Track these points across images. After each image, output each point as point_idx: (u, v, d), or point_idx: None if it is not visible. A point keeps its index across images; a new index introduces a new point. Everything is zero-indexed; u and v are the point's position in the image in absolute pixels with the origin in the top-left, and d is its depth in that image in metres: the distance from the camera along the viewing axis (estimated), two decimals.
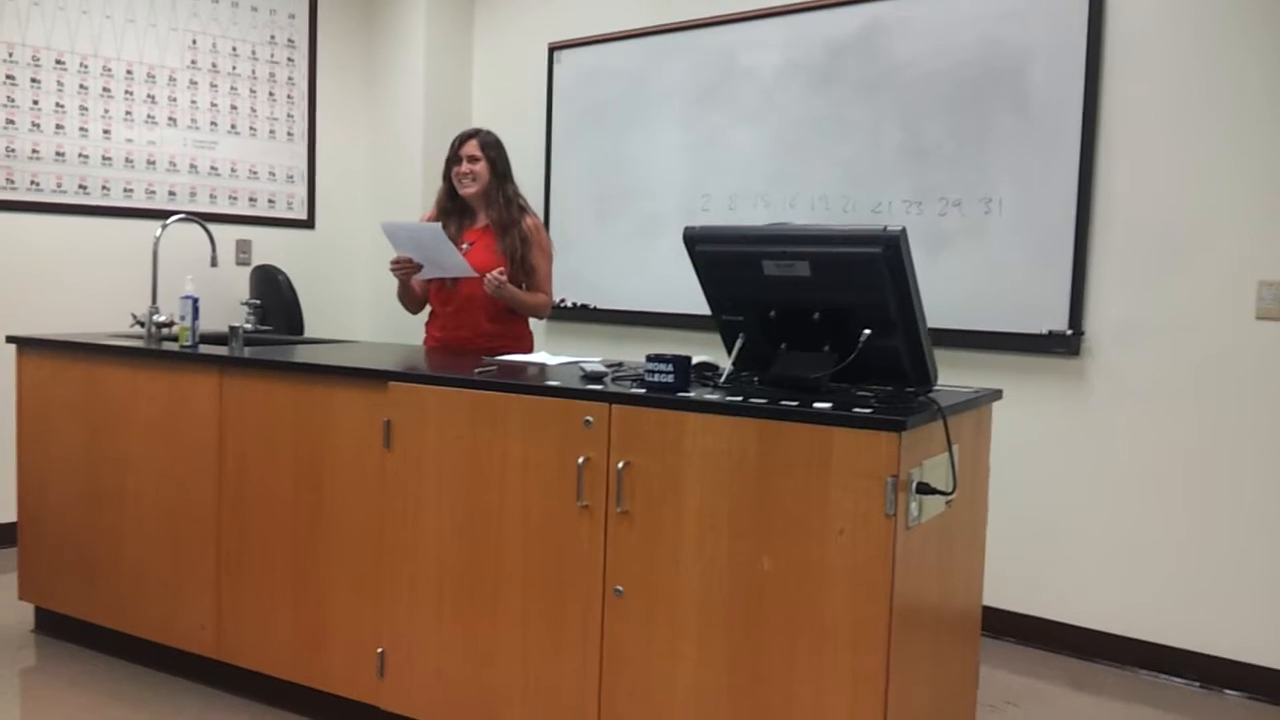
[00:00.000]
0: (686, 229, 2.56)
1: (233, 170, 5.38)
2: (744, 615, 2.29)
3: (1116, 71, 3.73)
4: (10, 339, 3.71)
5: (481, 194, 3.70)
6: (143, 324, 3.69)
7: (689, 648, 2.37)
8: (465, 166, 3.68)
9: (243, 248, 5.43)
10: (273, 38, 5.50)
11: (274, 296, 5.14)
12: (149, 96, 5.04)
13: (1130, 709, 3.43)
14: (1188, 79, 3.61)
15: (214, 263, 3.88)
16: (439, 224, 3.53)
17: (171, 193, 5.15)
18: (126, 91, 4.96)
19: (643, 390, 2.45)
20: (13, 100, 4.62)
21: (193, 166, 5.22)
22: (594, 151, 5.17)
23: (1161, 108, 3.66)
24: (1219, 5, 3.55)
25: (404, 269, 3.62)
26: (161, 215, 4.64)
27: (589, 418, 2.48)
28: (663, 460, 2.38)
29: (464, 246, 3.65)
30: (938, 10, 4.08)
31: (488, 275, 3.52)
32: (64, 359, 3.55)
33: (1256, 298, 3.49)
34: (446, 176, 3.75)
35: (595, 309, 5.15)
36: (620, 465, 2.43)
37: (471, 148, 3.70)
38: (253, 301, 5.13)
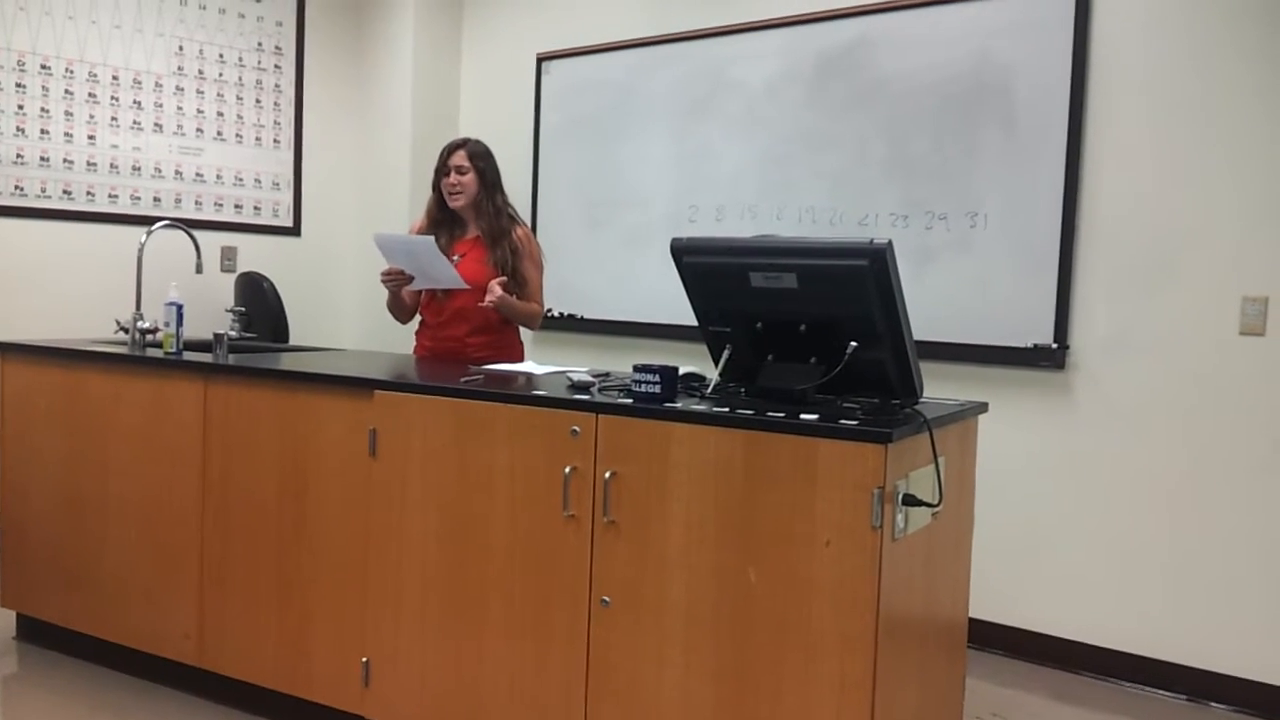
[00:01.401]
0: (674, 240, 2.56)
1: (218, 177, 5.36)
2: (730, 626, 2.29)
3: (1102, 87, 3.76)
4: None
5: (471, 205, 3.69)
6: (127, 330, 3.66)
7: (675, 658, 2.36)
8: (453, 178, 3.67)
9: (228, 254, 5.41)
10: (260, 44, 5.49)
11: (259, 304, 5.12)
12: (135, 102, 5.02)
13: None
14: (1172, 95, 3.63)
15: (199, 269, 3.87)
16: (431, 237, 3.52)
17: (156, 199, 5.13)
18: (112, 97, 4.95)
19: (630, 400, 2.45)
20: None
21: (178, 173, 5.20)
22: (582, 162, 5.17)
23: (1146, 123, 3.68)
24: (1203, 22, 3.57)
25: (395, 280, 3.61)
26: (146, 221, 4.61)
27: (576, 428, 2.48)
28: (650, 470, 2.38)
29: (455, 258, 3.64)
30: (925, 25, 4.10)
31: (491, 284, 3.51)
32: (47, 365, 3.53)
33: (1240, 313, 3.51)
34: (436, 187, 3.74)
35: (582, 319, 5.15)
36: (607, 475, 2.43)
37: (459, 158, 3.68)
38: (238, 309, 5.08)
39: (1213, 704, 3.55)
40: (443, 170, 3.70)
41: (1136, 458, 3.71)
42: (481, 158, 3.70)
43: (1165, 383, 3.66)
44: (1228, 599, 3.54)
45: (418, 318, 3.86)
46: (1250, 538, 3.51)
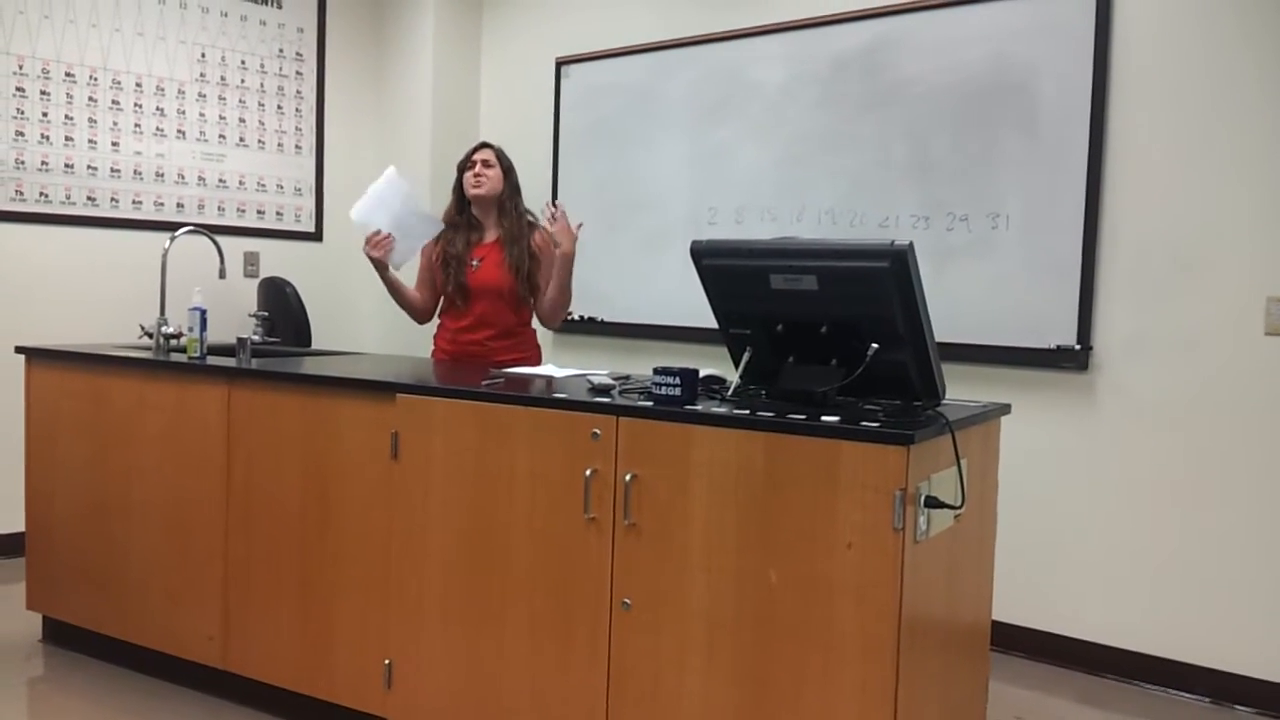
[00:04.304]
0: (693, 242, 2.56)
1: (241, 183, 5.39)
2: (752, 629, 2.29)
3: (1123, 87, 3.74)
4: (19, 349, 3.72)
5: (494, 201, 3.69)
6: (151, 335, 3.70)
7: (696, 661, 2.36)
8: (480, 168, 3.67)
9: (251, 260, 5.45)
10: (281, 51, 5.53)
11: (282, 308, 5.15)
12: (158, 109, 5.06)
13: None
14: (1195, 95, 3.61)
15: (222, 275, 3.89)
16: (392, 168, 3.52)
17: (180, 205, 5.17)
18: (136, 104, 4.99)
19: (650, 403, 2.45)
20: (22, 113, 4.65)
21: (201, 179, 5.24)
22: (601, 165, 5.18)
23: (1169, 123, 3.66)
24: (1225, 21, 3.55)
25: (378, 247, 3.57)
26: (170, 227, 4.66)
27: (596, 430, 2.48)
28: (670, 473, 2.38)
29: (474, 263, 3.66)
30: (944, 26, 4.08)
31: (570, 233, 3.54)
32: (72, 370, 3.56)
33: (1265, 313, 3.48)
34: (457, 188, 3.75)
35: (602, 322, 5.16)
36: (628, 478, 2.43)
37: (486, 153, 3.71)
38: (261, 313, 5.13)
39: (1236, 706, 3.53)
40: (467, 164, 3.71)
41: (1160, 459, 3.69)
42: (507, 160, 3.74)
43: (1189, 384, 3.63)
44: (1251, 601, 3.52)
45: (435, 319, 3.87)
46: (1275, 540, 3.48)
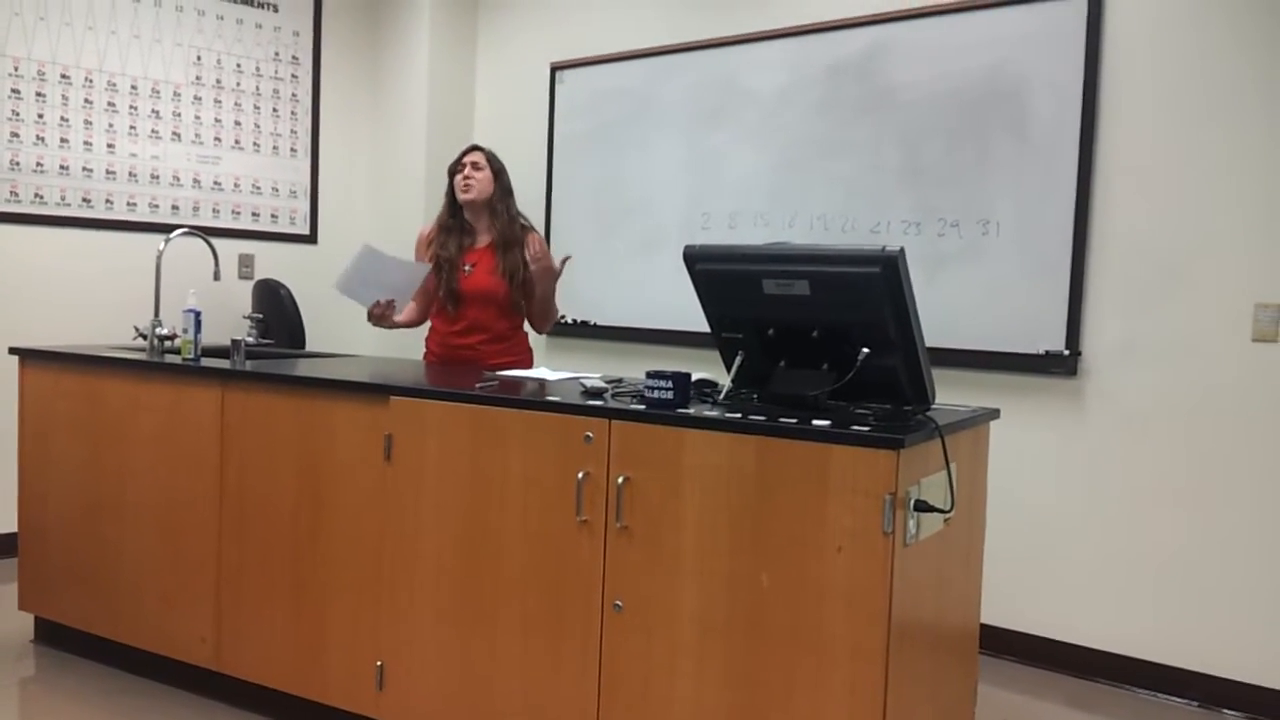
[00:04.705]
0: (687, 248, 2.57)
1: (236, 185, 5.40)
2: (743, 631, 2.30)
3: (1114, 95, 3.76)
4: (13, 350, 3.72)
5: (485, 206, 3.69)
6: (145, 337, 3.70)
7: (688, 664, 2.38)
8: (469, 171, 3.67)
9: (245, 262, 5.45)
10: (277, 54, 5.54)
11: (276, 311, 5.16)
12: (153, 111, 5.07)
13: None
14: (1185, 103, 3.64)
15: (217, 277, 3.90)
16: (363, 247, 3.47)
17: (175, 207, 5.18)
18: (131, 106, 4.99)
19: (643, 406, 2.47)
20: (17, 114, 4.65)
21: (196, 181, 5.25)
22: (595, 170, 5.20)
23: (1158, 131, 3.69)
24: (1216, 30, 3.58)
25: (383, 318, 3.59)
26: (165, 229, 4.67)
27: (589, 433, 2.49)
28: (662, 476, 2.40)
29: (466, 268, 3.66)
30: (938, 34, 4.11)
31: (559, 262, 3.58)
32: (66, 371, 3.57)
33: (1253, 319, 3.51)
34: (448, 191, 3.75)
35: (595, 326, 5.17)
36: (620, 481, 2.44)
37: (476, 156, 3.71)
38: (255, 316, 5.14)
39: (1225, 710, 3.55)
40: (457, 167, 3.71)
41: (1148, 464, 3.71)
42: (498, 162, 3.73)
43: (1177, 389, 3.65)
44: (1240, 605, 3.54)
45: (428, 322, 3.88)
46: (1262, 544, 3.50)
